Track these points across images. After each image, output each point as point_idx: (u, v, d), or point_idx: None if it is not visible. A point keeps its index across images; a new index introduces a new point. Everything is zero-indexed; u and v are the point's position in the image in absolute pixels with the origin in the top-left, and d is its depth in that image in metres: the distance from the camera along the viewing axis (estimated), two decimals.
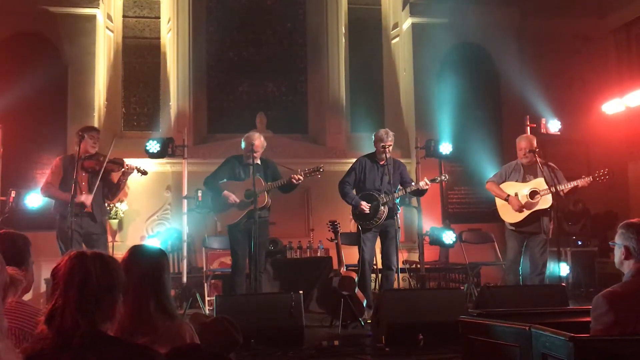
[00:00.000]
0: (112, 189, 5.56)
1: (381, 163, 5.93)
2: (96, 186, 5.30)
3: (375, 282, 6.51)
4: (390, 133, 5.93)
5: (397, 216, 5.83)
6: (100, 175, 5.28)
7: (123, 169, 5.40)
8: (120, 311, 1.77)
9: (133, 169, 5.43)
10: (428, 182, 5.76)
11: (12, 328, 2.00)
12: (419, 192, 5.99)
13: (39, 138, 7.80)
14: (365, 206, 5.75)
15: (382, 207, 5.75)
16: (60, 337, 1.61)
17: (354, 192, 5.97)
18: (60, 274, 1.68)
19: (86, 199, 5.23)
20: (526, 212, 5.69)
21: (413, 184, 5.90)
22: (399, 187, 5.91)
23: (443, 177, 6.07)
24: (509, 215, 5.82)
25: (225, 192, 5.64)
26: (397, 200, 5.87)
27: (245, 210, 5.60)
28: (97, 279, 1.68)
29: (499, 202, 5.91)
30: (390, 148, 5.91)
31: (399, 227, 5.89)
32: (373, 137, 6.00)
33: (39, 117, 7.82)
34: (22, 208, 6.68)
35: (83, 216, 5.30)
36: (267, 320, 4.68)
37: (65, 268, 1.68)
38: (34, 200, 6.66)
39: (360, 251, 5.82)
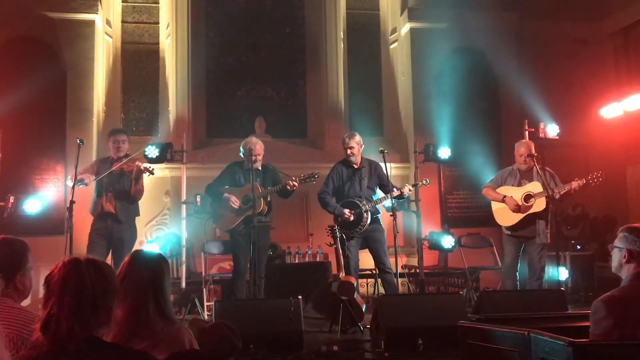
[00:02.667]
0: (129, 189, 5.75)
1: (355, 167, 5.89)
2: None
3: (376, 287, 6.49)
4: (354, 136, 5.89)
5: (379, 218, 5.82)
6: (117, 175, 5.61)
7: (131, 169, 5.59)
8: (117, 316, 1.76)
9: (141, 169, 5.56)
10: (411, 188, 5.76)
11: (11, 335, 2.00)
12: (400, 198, 5.88)
13: (38, 143, 7.78)
14: (349, 214, 5.71)
15: (365, 214, 5.71)
16: (56, 344, 1.60)
17: (334, 200, 5.90)
18: (54, 280, 1.67)
19: (88, 178, 5.50)
20: (521, 215, 5.70)
21: (395, 189, 5.73)
22: (377, 192, 5.87)
23: (424, 182, 5.96)
24: (505, 219, 5.83)
25: (226, 194, 5.69)
26: (377, 206, 5.85)
27: (242, 216, 5.63)
28: (92, 285, 1.67)
29: (494, 206, 5.92)
30: (355, 150, 5.83)
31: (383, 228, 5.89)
32: None
33: (37, 122, 7.79)
34: (20, 213, 6.68)
35: (107, 218, 5.50)
36: (266, 325, 4.67)
37: (59, 275, 1.67)
38: (33, 205, 6.66)
39: (346, 258, 5.78)
